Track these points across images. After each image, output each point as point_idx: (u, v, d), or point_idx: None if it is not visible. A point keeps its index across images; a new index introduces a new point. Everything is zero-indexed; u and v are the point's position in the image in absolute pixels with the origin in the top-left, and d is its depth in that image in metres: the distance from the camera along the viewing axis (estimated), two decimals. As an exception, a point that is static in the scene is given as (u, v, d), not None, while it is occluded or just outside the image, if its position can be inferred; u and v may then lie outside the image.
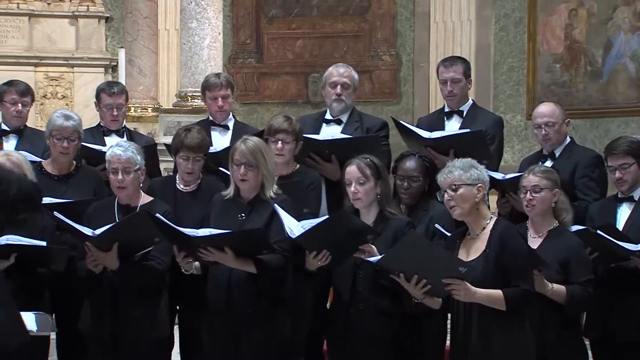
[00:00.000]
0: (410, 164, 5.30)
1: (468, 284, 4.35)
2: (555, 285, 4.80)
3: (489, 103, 10.78)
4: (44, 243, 4.97)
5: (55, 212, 4.91)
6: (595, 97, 10.62)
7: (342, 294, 4.87)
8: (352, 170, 4.89)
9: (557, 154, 5.82)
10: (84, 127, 6.35)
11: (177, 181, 5.53)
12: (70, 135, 5.55)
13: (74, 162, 5.68)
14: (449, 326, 4.72)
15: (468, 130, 5.80)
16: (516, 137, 11.07)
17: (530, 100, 11.02)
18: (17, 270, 4.87)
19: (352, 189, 4.86)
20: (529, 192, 4.97)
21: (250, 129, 6.19)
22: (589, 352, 5.33)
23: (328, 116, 6.14)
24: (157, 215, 4.82)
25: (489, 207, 5.63)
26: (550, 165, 5.69)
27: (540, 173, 5.02)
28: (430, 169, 5.31)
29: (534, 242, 4.95)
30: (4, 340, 3.72)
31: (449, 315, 4.66)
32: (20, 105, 6.31)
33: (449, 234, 4.91)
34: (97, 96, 6.39)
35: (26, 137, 6.26)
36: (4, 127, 6.33)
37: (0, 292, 3.80)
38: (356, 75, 6.17)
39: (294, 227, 4.75)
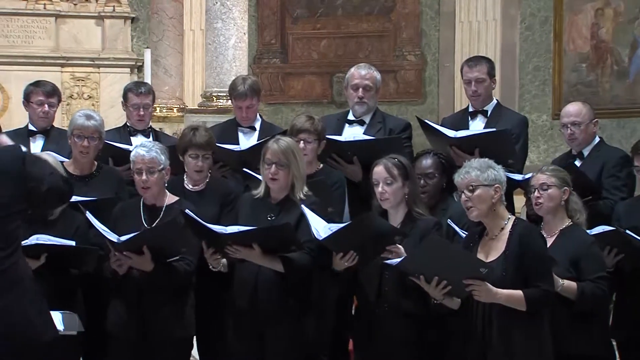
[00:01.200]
0: (425, 162, 5.34)
1: (489, 284, 4.35)
2: (566, 282, 4.76)
3: (514, 103, 10.75)
4: (73, 243, 4.99)
5: (87, 213, 4.93)
6: (621, 96, 10.55)
7: (368, 295, 4.87)
8: (379, 170, 4.88)
9: (586, 153, 5.81)
10: (111, 127, 6.39)
11: (185, 181, 5.54)
12: (91, 134, 5.56)
13: (96, 163, 5.69)
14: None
15: (494, 129, 5.78)
16: (542, 136, 11.02)
17: (556, 100, 10.97)
18: (49, 270, 4.90)
19: (380, 189, 4.85)
20: (536, 190, 4.95)
21: (277, 129, 6.18)
22: (617, 353, 5.31)
23: (351, 117, 6.13)
24: (187, 211, 4.84)
25: (513, 207, 5.65)
26: (579, 165, 5.68)
27: (548, 171, 4.99)
28: (447, 166, 5.32)
29: (547, 242, 4.92)
30: (36, 333, 3.76)
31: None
32: (46, 106, 6.32)
33: (462, 233, 4.91)
34: (125, 96, 6.41)
35: (53, 137, 6.27)
36: (31, 127, 6.34)
37: (31, 289, 3.84)
38: (378, 76, 6.14)
39: (320, 228, 4.75)
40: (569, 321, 4.79)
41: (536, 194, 4.94)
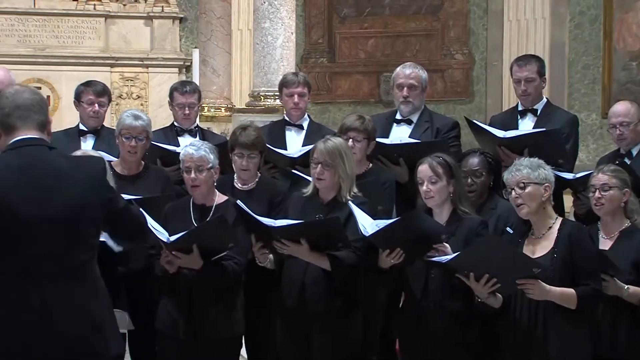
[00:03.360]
0: (472, 160, 5.32)
1: (542, 282, 4.37)
2: (631, 287, 4.73)
3: (563, 101, 10.68)
4: None
5: (141, 210, 4.96)
6: (673, 95, 10.44)
7: (414, 294, 4.87)
8: (424, 169, 4.87)
9: (635, 152, 5.76)
10: (159, 127, 6.43)
11: (235, 180, 5.56)
12: (138, 134, 5.60)
13: (143, 163, 5.72)
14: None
15: (544, 129, 5.75)
16: (591, 136, 10.93)
17: (606, 98, 10.88)
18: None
19: (425, 187, 4.84)
20: (597, 190, 4.92)
21: (325, 130, 6.19)
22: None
23: (398, 116, 6.12)
24: (238, 201, 4.88)
25: (563, 206, 5.61)
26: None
27: (609, 172, 4.97)
28: (494, 165, 5.31)
29: (605, 244, 4.90)
30: (105, 347, 3.80)
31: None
32: (97, 105, 6.36)
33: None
34: (170, 95, 6.47)
35: (103, 137, 6.32)
36: (82, 127, 6.40)
37: (107, 299, 3.88)
38: (424, 75, 6.13)
39: (367, 225, 4.76)
40: (628, 326, 4.76)
41: (597, 194, 4.92)
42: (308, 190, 5.09)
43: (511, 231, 4.95)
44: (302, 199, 5.10)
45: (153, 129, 5.89)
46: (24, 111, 3.73)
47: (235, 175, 5.57)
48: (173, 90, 6.46)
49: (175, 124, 6.44)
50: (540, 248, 4.55)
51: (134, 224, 4.06)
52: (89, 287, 3.74)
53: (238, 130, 5.53)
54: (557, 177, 4.80)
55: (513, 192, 4.59)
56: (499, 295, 4.50)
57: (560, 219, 4.62)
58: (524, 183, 4.55)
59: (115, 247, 4.76)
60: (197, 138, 6.18)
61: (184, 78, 11.86)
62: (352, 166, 5.05)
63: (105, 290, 3.86)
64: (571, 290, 4.42)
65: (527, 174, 4.56)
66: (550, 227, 4.58)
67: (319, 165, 4.99)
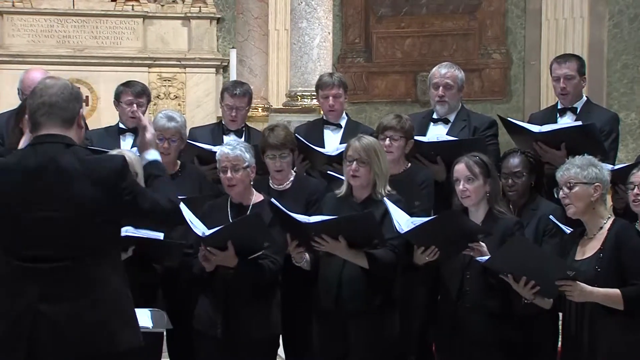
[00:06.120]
0: (513, 160, 5.28)
1: (582, 284, 4.32)
2: None
3: (602, 101, 10.60)
4: (161, 235, 5.03)
5: (181, 204, 4.97)
6: None
7: (450, 294, 4.85)
8: (460, 168, 4.86)
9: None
10: (200, 125, 6.44)
11: (270, 181, 5.57)
12: (171, 136, 5.61)
13: (179, 162, 5.75)
14: (560, 326, 4.66)
15: (579, 123, 5.70)
16: (630, 135, 10.85)
17: (645, 98, 10.80)
18: (134, 265, 4.94)
19: (461, 187, 4.83)
20: (636, 187, 4.87)
21: (363, 128, 6.19)
22: None
23: (435, 115, 6.10)
24: (272, 200, 4.88)
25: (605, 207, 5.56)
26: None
27: None
28: (535, 164, 5.27)
29: None
30: (110, 342, 3.77)
31: (561, 314, 4.61)
32: (135, 106, 6.41)
33: (567, 229, 4.84)
34: (221, 94, 6.48)
35: (142, 136, 6.35)
36: (121, 126, 6.46)
37: (114, 298, 3.87)
38: (460, 74, 6.09)
39: (403, 222, 4.75)
40: None
41: (636, 190, 4.87)
42: (341, 190, 5.09)
43: (567, 230, 4.89)
44: (336, 199, 5.10)
45: (199, 125, 5.87)
46: (49, 107, 3.74)
47: (270, 175, 5.58)
48: (224, 90, 6.47)
49: (223, 122, 6.46)
50: (590, 249, 4.50)
51: (161, 208, 3.94)
52: (84, 286, 3.72)
53: (267, 132, 5.54)
54: None
55: (561, 192, 4.55)
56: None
57: (612, 219, 4.55)
58: (571, 183, 4.50)
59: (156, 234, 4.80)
60: (243, 138, 6.19)
61: (221, 78, 11.91)
62: (386, 164, 5.04)
63: (110, 291, 3.80)
64: (616, 291, 4.35)
65: (575, 173, 4.50)
66: (601, 228, 4.51)
67: (354, 162, 4.98)
